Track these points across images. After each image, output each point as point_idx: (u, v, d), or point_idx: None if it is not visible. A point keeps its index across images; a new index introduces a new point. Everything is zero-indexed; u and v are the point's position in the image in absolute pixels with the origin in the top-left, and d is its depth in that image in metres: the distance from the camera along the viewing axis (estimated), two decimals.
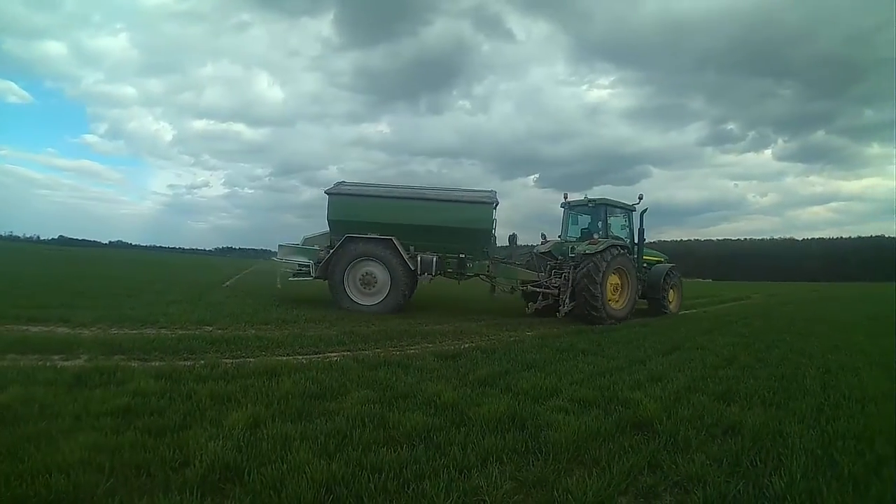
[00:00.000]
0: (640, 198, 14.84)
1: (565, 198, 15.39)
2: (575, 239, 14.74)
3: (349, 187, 14.24)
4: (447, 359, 7.00)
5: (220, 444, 3.49)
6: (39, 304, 10.60)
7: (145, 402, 4.45)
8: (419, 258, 13.10)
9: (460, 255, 13.53)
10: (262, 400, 4.65)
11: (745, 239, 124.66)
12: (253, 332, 8.81)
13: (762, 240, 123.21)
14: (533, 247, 15.56)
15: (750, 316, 15.83)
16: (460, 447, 3.70)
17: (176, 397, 4.66)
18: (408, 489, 3.09)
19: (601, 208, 14.55)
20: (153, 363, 6.16)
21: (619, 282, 13.48)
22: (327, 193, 13.67)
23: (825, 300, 27.66)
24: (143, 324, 9.00)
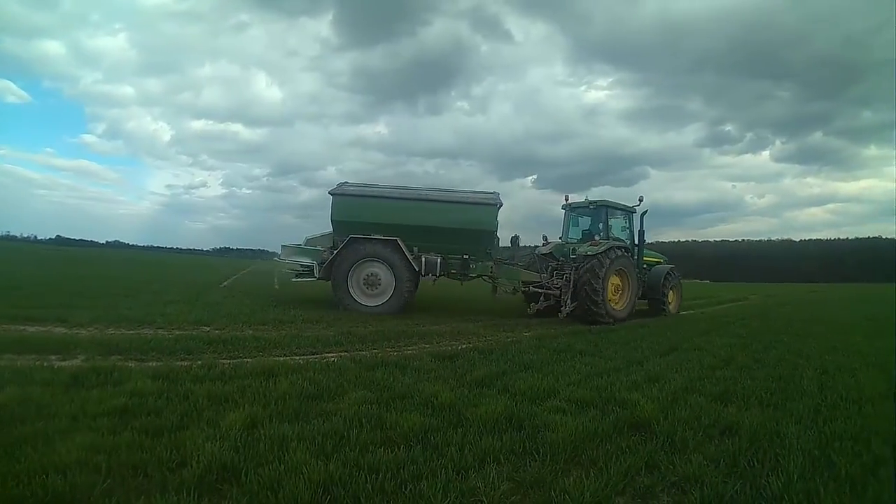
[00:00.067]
0: (641, 199, 15.02)
1: (566, 200, 15.46)
2: (576, 240, 14.84)
3: (353, 188, 14.19)
4: (445, 359, 7.00)
5: (217, 445, 3.49)
6: (36, 304, 10.58)
7: (142, 403, 4.44)
8: (423, 259, 13.13)
9: (464, 256, 13.54)
10: (259, 400, 4.64)
11: (743, 240, 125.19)
12: (250, 332, 8.80)
13: (760, 241, 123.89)
14: (533, 248, 15.63)
15: (747, 317, 15.88)
16: (458, 448, 3.71)
17: (173, 398, 4.66)
18: (405, 490, 3.09)
19: (602, 210, 14.64)
20: (150, 363, 6.14)
21: (619, 283, 13.57)
22: (331, 194, 13.61)
23: (823, 301, 27.73)
24: (141, 324, 8.99)
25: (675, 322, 13.50)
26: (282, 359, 6.69)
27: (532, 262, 14.75)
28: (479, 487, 3.16)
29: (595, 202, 14.75)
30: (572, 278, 12.91)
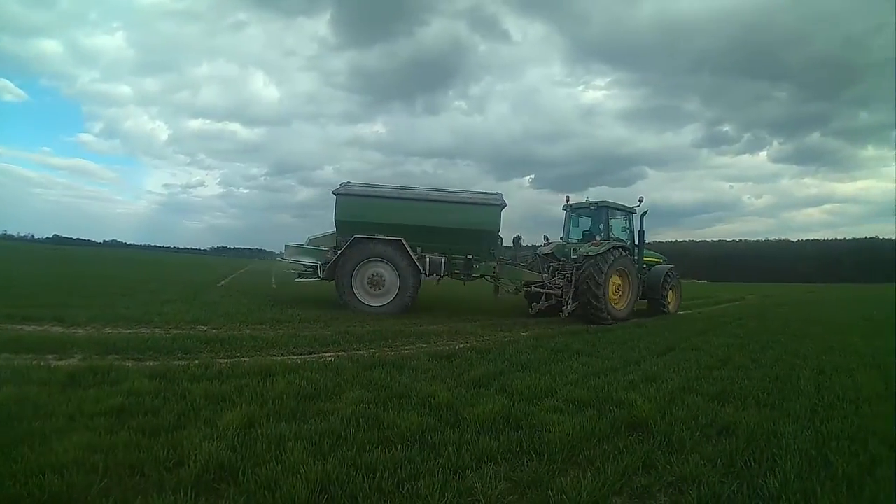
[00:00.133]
0: (641, 200, 15.17)
1: (567, 200, 15.56)
2: (577, 241, 14.96)
3: (356, 188, 14.16)
4: (442, 359, 7.00)
5: (214, 444, 3.48)
6: (33, 303, 10.57)
7: (139, 402, 4.44)
8: (428, 259, 13.17)
9: (467, 257, 13.59)
10: (256, 400, 4.64)
11: (740, 240, 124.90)
12: (248, 331, 8.80)
13: (757, 241, 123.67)
14: (534, 248, 15.74)
15: (745, 317, 15.90)
16: (455, 447, 3.70)
17: (170, 397, 4.65)
18: (402, 489, 3.09)
19: (603, 210, 14.73)
20: (147, 363, 6.14)
21: (620, 282, 13.69)
22: (335, 194, 13.57)
23: (820, 301, 27.75)
24: (138, 323, 8.98)
25: (673, 322, 13.52)
26: (279, 358, 6.69)
27: (534, 263, 14.85)
28: (477, 487, 3.16)
29: (596, 203, 14.83)
30: (574, 278, 13.02)
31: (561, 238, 15.47)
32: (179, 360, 6.35)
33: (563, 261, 14.12)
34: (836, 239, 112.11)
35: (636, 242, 15.05)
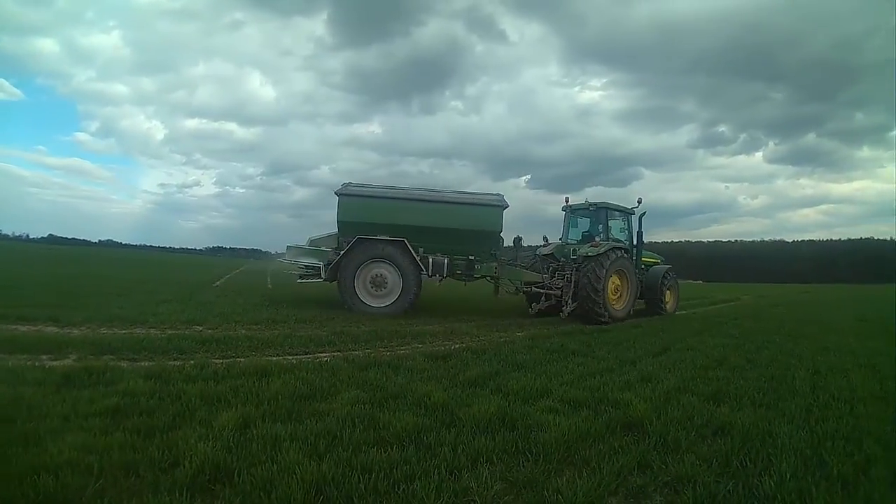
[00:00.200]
0: (639, 201, 15.36)
1: (566, 201, 15.67)
2: (576, 241, 15.06)
3: (359, 188, 14.14)
4: (437, 359, 7.00)
5: (209, 445, 3.48)
6: (28, 303, 10.52)
7: (134, 403, 4.43)
8: (431, 260, 13.16)
9: (469, 257, 13.61)
10: (252, 400, 4.64)
11: (736, 240, 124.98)
12: (243, 332, 8.79)
13: (753, 241, 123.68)
14: (534, 248, 15.85)
15: (740, 317, 15.95)
16: (450, 448, 3.71)
17: (165, 397, 4.65)
18: (398, 490, 3.09)
19: (602, 211, 14.83)
20: (143, 363, 6.13)
21: (619, 283, 13.81)
22: (337, 194, 13.53)
23: (815, 302, 27.84)
24: (133, 323, 8.95)
25: (668, 322, 13.55)
26: (275, 358, 6.68)
27: (534, 263, 14.92)
28: (472, 487, 3.16)
29: (595, 204, 14.93)
30: (573, 279, 13.15)
31: (560, 239, 15.55)
32: (175, 360, 6.34)
33: (563, 261, 14.22)
34: (831, 239, 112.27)
35: (634, 243, 15.22)
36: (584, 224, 15.50)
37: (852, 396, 5.70)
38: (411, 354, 7.32)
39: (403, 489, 3.09)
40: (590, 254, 12.96)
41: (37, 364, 5.69)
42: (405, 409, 4.67)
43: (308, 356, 7.10)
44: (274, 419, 4.20)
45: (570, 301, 13.12)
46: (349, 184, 14.23)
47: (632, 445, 4.00)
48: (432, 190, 14.70)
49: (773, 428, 4.48)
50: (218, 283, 22.85)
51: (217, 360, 6.35)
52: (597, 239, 14.28)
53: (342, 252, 12.78)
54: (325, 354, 7.27)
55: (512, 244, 14.83)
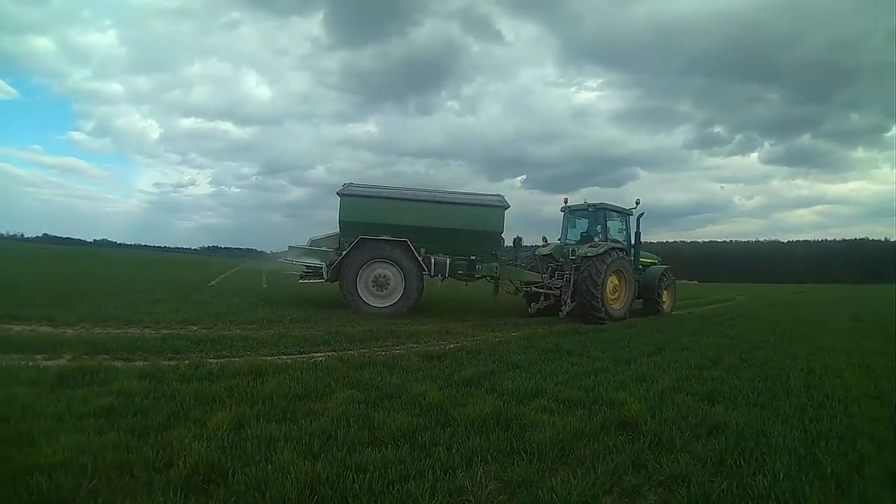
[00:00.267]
0: (638, 202, 15.65)
1: (565, 202, 15.85)
2: (574, 242, 15.19)
3: (361, 188, 14.12)
4: (432, 359, 6.99)
5: (204, 445, 3.47)
6: (22, 302, 10.47)
7: (129, 403, 4.42)
8: (433, 260, 13.18)
9: (471, 257, 13.65)
10: (246, 400, 4.63)
11: (731, 241, 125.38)
12: (238, 331, 8.78)
13: (748, 242, 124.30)
14: (534, 248, 16.03)
15: (735, 317, 15.99)
16: (445, 447, 3.71)
17: (160, 397, 4.64)
18: (393, 490, 3.09)
19: (601, 212, 15.01)
20: (137, 363, 6.11)
21: (617, 283, 14.01)
22: (339, 195, 13.52)
23: (810, 302, 27.91)
24: (128, 323, 8.93)
25: (663, 322, 13.60)
26: (269, 358, 6.67)
27: (533, 263, 15.08)
28: (467, 487, 3.16)
29: (594, 205, 15.11)
30: (572, 279, 13.30)
31: (559, 239, 15.73)
32: (169, 360, 6.32)
33: (562, 261, 14.34)
34: (826, 240, 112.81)
35: (632, 244, 15.41)
36: (583, 225, 15.68)
37: (846, 396, 5.71)
38: (406, 354, 7.33)
39: (398, 489, 3.09)
40: (589, 254, 13.13)
41: (31, 364, 5.67)
42: (400, 408, 4.67)
43: (303, 356, 7.09)
44: (268, 419, 4.19)
45: (569, 300, 13.26)
46: (351, 184, 14.21)
47: (626, 445, 4.01)
48: (434, 190, 14.72)
49: (768, 427, 4.49)
50: (213, 282, 22.80)
51: (212, 360, 6.34)
52: (595, 239, 14.44)
53: (344, 252, 12.76)
54: (320, 354, 7.26)
55: (512, 244, 14.92)
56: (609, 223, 15.01)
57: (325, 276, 12.96)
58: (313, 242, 14.06)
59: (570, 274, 13.43)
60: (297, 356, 7.04)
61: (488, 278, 14.21)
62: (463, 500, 3.07)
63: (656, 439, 4.12)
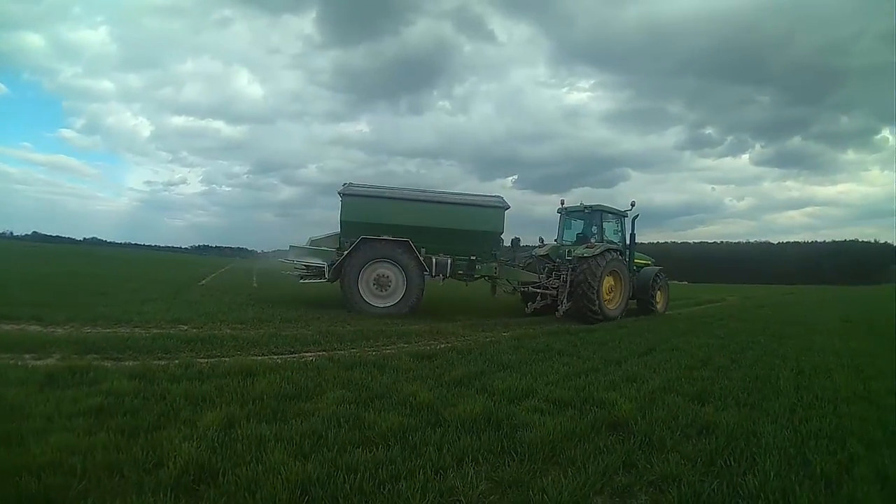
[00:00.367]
0: (633, 204, 15.88)
1: (562, 204, 16.11)
2: (571, 243, 15.42)
3: (362, 188, 14.08)
4: (423, 359, 6.99)
5: (194, 445, 3.45)
6: (11, 301, 10.36)
7: (118, 403, 4.39)
8: (434, 260, 13.22)
9: (471, 257, 13.71)
10: (236, 400, 4.61)
11: (722, 242, 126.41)
12: (228, 331, 8.74)
13: (738, 243, 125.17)
14: (529, 248, 16.30)
15: (725, 318, 16.08)
16: (436, 447, 3.71)
17: (150, 397, 4.61)
18: (383, 490, 3.09)
19: (596, 214, 15.26)
20: (127, 363, 6.07)
21: (612, 283, 14.28)
22: (341, 195, 13.47)
23: (799, 303, 28.12)
24: (117, 322, 8.88)
25: (654, 323, 13.66)
26: (260, 358, 6.66)
27: (530, 263, 15.23)
28: (458, 487, 3.16)
29: (590, 207, 15.33)
30: (569, 279, 13.52)
31: (555, 240, 15.94)
32: (159, 359, 6.29)
33: (559, 262, 14.54)
34: (816, 241, 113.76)
35: (627, 245, 15.66)
36: (579, 226, 15.93)
37: (836, 396, 5.76)
38: (397, 354, 7.32)
39: (389, 489, 3.09)
40: (585, 255, 13.36)
41: (20, 363, 5.62)
42: (390, 408, 4.66)
43: (293, 356, 7.08)
44: (259, 419, 4.18)
45: (565, 300, 13.48)
46: (351, 184, 14.15)
47: (617, 445, 4.02)
48: (435, 191, 14.76)
49: (758, 427, 4.52)
50: (203, 281, 22.71)
51: (202, 360, 6.31)
52: (591, 240, 14.67)
53: (346, 252, 12.76)
54: (310, 354, 7.25)
55: (510, 245, 15.03)
56: (605, 225, 15.24)
57: (326, 276, 12.94)
58: (313, 242, 14.03)
59: (566, 274, 13.64)
60: (287, 356, 7.03)
61: (486, 278, 14.28)
62: (454, 501, 3.07)
63: (647, 439, 4.13)
